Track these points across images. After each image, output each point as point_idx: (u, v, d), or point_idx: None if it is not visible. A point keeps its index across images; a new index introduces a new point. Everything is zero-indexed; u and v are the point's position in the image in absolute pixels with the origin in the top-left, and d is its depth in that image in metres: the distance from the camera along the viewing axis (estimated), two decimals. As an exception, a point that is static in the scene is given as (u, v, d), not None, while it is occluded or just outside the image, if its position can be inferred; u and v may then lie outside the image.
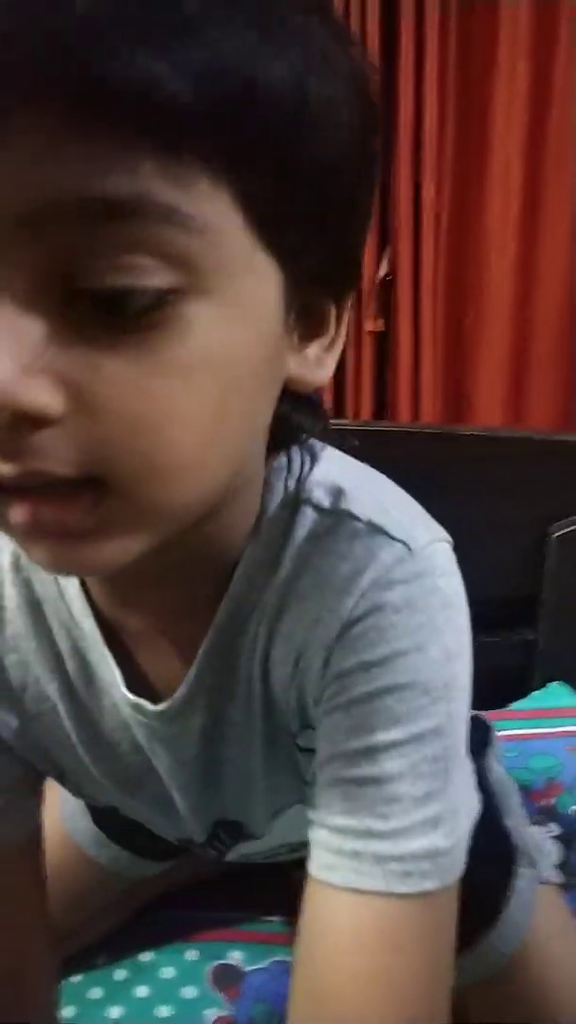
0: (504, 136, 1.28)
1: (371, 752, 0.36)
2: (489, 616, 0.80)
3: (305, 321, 0.34)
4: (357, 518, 0.39)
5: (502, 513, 0.81)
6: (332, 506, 0.40)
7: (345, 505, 0.40)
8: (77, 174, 0.24)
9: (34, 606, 0.43)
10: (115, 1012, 0.69)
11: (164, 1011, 0.69)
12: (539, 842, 0.77)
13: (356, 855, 0.36)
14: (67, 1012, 0.68)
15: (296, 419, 0.39)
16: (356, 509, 0.39)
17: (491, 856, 0.61)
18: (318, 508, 0.40)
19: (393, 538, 0.39)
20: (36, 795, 0.49)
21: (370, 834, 0.36)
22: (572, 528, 1.03)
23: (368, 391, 1.40)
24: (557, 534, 1.03)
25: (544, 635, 1.05)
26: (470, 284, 1.36)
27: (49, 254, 0.25)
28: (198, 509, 0.32)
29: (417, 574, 0.38)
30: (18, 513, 0.28)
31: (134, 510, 0.29)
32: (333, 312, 0.35)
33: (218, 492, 0.33)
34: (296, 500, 0.40)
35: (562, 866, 0.78)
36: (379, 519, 0.39)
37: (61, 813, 0.71)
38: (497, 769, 0.72)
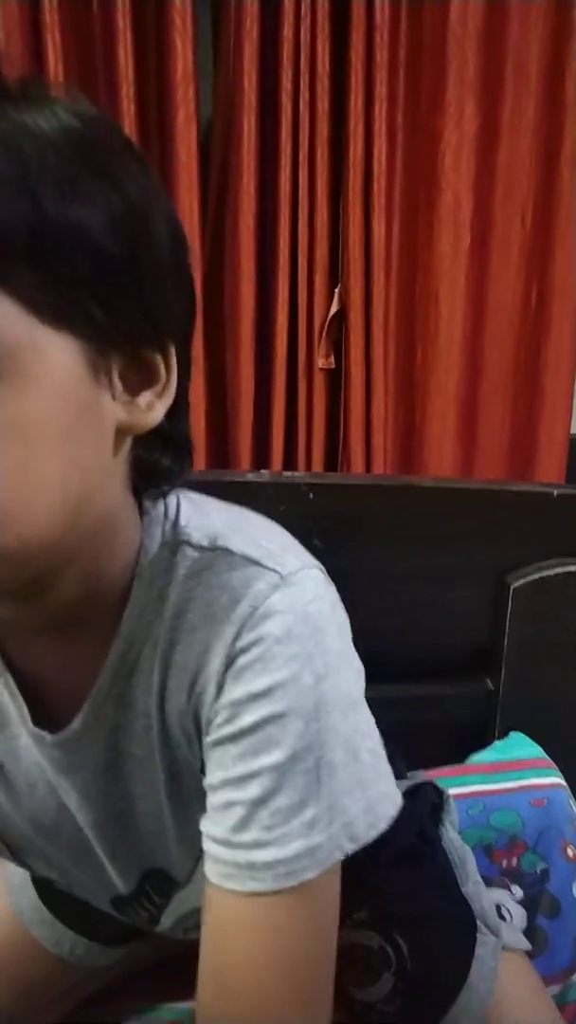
0: (453, 174, 1.31)
1: (256, 775, 0.42)
2: (449, 666, 0.82)
3: (135, 373, 0.40)
4: (232, 552, 0.44)
5: (460, 563, 0.83)
6: (210, 544, 0.45)
7: (221, 543, 0.45)
8: None
9: None
10: None
11: None
12: (502, 907, 0.79)
13: (250, 865, 0.42)
14: None
15: (153, 460, 0.44)
16: (231, 545, 0.44)
17: (451, 925, 0.64)
18: (197, 547, 0.45)
19: (266, 567, 0.43)
20: None
21: (258, 845, 0.42)
22: (530, 578, 1.06)
23: (320, 427, 1.41)
24: (515, 584, 1.06)
25: (505, 685, 1.07)
26: (421, 320, 1.38)
27: None
28: (38, 552, 0.37)
29: (291, 602, 0.43)
30: None
31: None
32: (161, 363, 0.40)
33: (59, 536, 0.38)
34: (175, 542, 0.45)
35: (528, 931, 0.80)
36: (252, 552, 0.44)
37: (9, 893, 0.71)
38: (452, 836, 0.73)
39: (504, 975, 0.63)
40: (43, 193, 0.34)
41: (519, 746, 1.05)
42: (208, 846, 0.44)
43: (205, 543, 0.45)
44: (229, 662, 0.43)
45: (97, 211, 0.36)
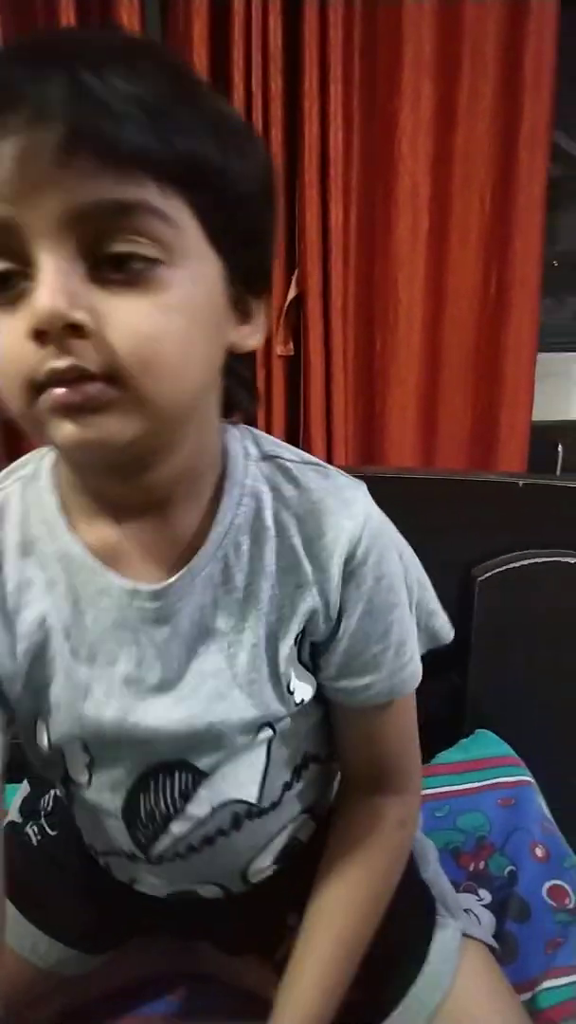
0: (410, 158, 1.28)
1: (387, 632, 0.60)
2: (421, 657, 0.81)
3: (240, 311, 0.51)
4: (320, 464, 0.60)
5: (425, 556, 0.81)
6: (298, 458, 0.59)
7: (306, 457, 0.60)
8: (103, 189, 0.41)
9: (28, 544, 0.56)
10: None
11: None
12: (471, 912, 0.78)
13: (402, 682, 0.62)
14: None
15: (234, 389, 0.56)
16: (310, 459, 0.60)
17: (411, 909, 0.67)
18: (275, 455, 0.59)
19: (351, 479, 0.60)
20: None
21: (400, 671, 0.61)
22: (496, 570, 1.05)
23: (280, 415, 1.38)
24: (481, 577, 1.05)
25: (472, 680, 1.06)
26: (380, 308, 1.36)
27: (86, 237, 0.42)
28: (177, 411, 0.48)
29: (374, 508, 0.59)
30: (57, 395, 0.43)
31: (132, 396, 0.44)
32: (254, 307, 0.52)
33: (191, 401, 0.49)
34: (261, 453, 0.58)
35: (497, 937, 0.79)
36: (323, 465, 0.60)
37: None
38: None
39: (466, 963, 0.66)
40: (228, 144, 0.45)
41: (486, 744, 1.05)
42: (362, 692, 0.61)
43: (288, 455, 0.59)
44: (350, 555, 0.57)
45: (256, 168, 0.48)
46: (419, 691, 0.85)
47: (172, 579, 0.55)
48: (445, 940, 0.66)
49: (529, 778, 0.98)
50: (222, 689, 0.57)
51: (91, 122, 0.40)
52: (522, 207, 1.33)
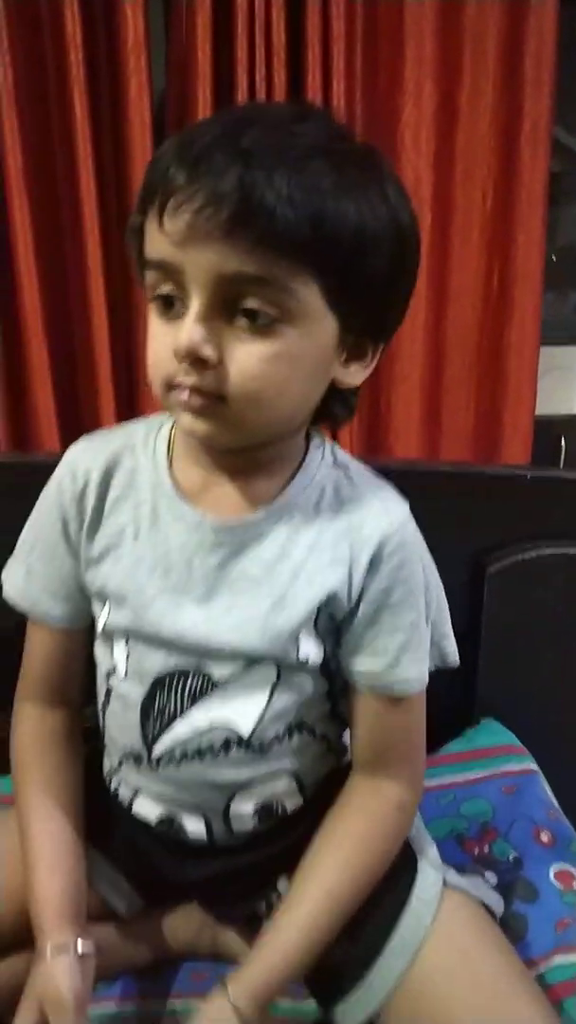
0: (413, 152, 1.30)
1: (401, 628, 0.71)
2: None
3: (354, 352, 0.65)
4: (379, 480, 0.75)
5: (437, 548, 0.82)
6: (363, 471, 0.75)
7: (366, 468, 0.76)
8: (245, 264, 0.55)
9: (134, 471, 0.74)
10: None
11: None
12: (483, 887, 0.79)
13: (405, 679, 0.72)
14: None
15: (335, 407, 0.70)
16: (369, 472, 0.76)
17: (396, 867, 0.74)
18: (345, 465, 0.75)
19: (392, 491, 0.74)
20: (88, 611, 0.78)
21: (407, 667, 0.71)
22: (506, 561, 1.05)
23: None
24: (492, 568, 1.05)
25: (481, 671, 1.06)
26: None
27: (228, 292, 0.57)
28: (267, 430, 0.65)
29: (411, 522, 0.73)
30: (182, 398, 0.61)
31: (233, 415, 0.60)
32: (371, 349, 0.67)
33: (282, 425, 0.66)
34: (331, 456, 0.74)
35: (505, 918, 0.79)
36: (382, 481, 0.76)
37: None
38: None
39: (448, 907, 0.72)
40: (367, 228, 0.58)
41: (490, 733, 1.05)
42: (368, 677, 0.72)
43: (356, 466, 0.75)
44: (379, 549, 0.69)
45: (390, 244, 0.60)
46: (430, 687, 0.86)
47: (233, 523, 0.70)
48: (425, 886, 0.73)
49: (534, 767, 0.99)
50: (243, 619, 0.70)
51: (250, 214, 0.54)
52: (524, 203, 1.34)
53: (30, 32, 1.15)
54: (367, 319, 0.63)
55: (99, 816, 0.81)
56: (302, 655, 0.70)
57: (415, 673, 0.72)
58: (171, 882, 0.81)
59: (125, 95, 1.19)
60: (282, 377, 0.60)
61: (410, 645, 0.71)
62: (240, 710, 0.72)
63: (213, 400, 0.60)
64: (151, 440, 0.75)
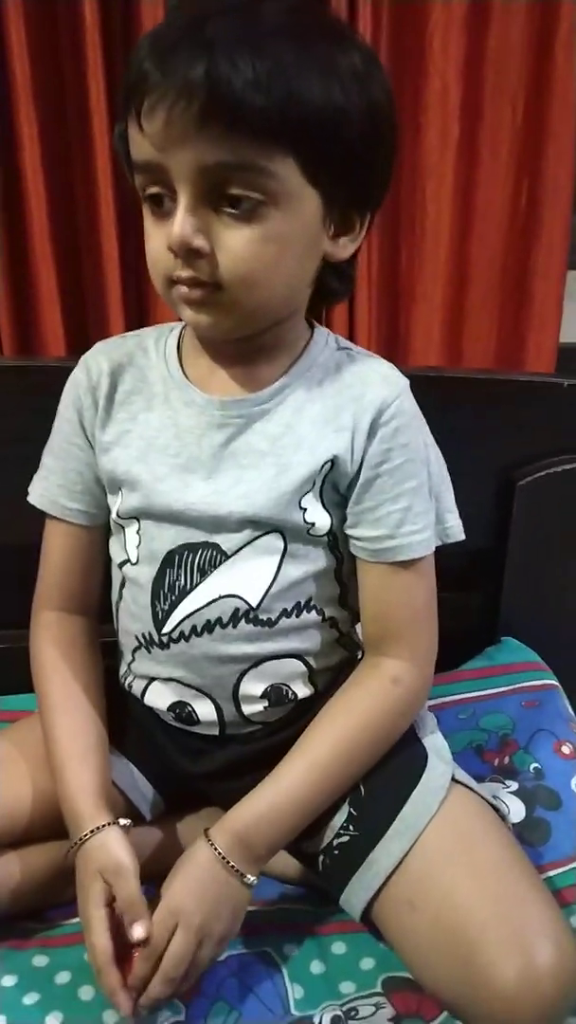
0: (441, 58, 1.25)
1: (403, 494, 0.75)
2: (448, 570, 0.81)
3: (341, 225, 0.69)
4: (381, 359, 0.79)
5: (461, 459, 0.81)
6: (366, 352, 0.80)
7: (362, 349, 0.81)
8: (222, 153, 0.59)
9: (146, 367, 0.80)
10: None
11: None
12: (498, 799, 0.80)
13: (409, 545, 0.75)
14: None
15: (331, 282, 0.74)
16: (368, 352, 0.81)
17: (404, 759, 0.77)
18: (347, 347, 0.80)
19: (393, 368, 0.78)
20: (105, 516, 0.83)
21: (411, 533, 0.75)
22: (538, 475, 1.02)
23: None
24: (521, 481, 1.02)
25: (508, 590, 1.05)
26: (406, 220, 1.34)
27: (211, 182, 0.61)
28: (265, 312, 0.69)
29: (409, 395, 0.77)
30: (182, 292, 0.66)
31: (229, 300, 0.65)
32: (358, 221, 0.70)
33: (278, 305, 0.70)
34: (333, 341, 0.79)
35: (528, 822, 0.80)
36: (383, 360, 0.80)
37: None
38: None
39: (455, 797, 0.74)
40: (337, 100, 0.60)
41: (511, 651, 1.06)
42: (371, 544, 0.76)
43: (358, 349, 0.80)
44: (378, 415, 0.74)
45: (364, 112, 0.63)
46: (452, 601, 0.86)
47: (238, 398, 0.75)
48: (434, 777, 0.75)
49: (554, 681, 0.99)
50: (250, 488, 0.74)
51: (219, 101, 0.56)
52: (556, 114, 1.29)
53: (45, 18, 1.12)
54: (349, 192, 0.66)
55: (117, 722, 0.84)
56: (308, 519, 0.75)
57: (418, 539, 0.75)
58: (187, 776, 0.84)
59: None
60: (272, 258, 0.64)
61: (411, 511, 0.75)
62: (248, 580, 0.75)
63: (210, 289, 0.64)
64: (162, 340, 0.81)
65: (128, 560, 0.79)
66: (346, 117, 0.61)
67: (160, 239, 0.65)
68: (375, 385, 0.75)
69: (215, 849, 0.70)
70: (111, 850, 0.70)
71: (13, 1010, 0.72)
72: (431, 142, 1.29)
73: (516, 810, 0.83)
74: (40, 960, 0.77)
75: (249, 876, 0.70)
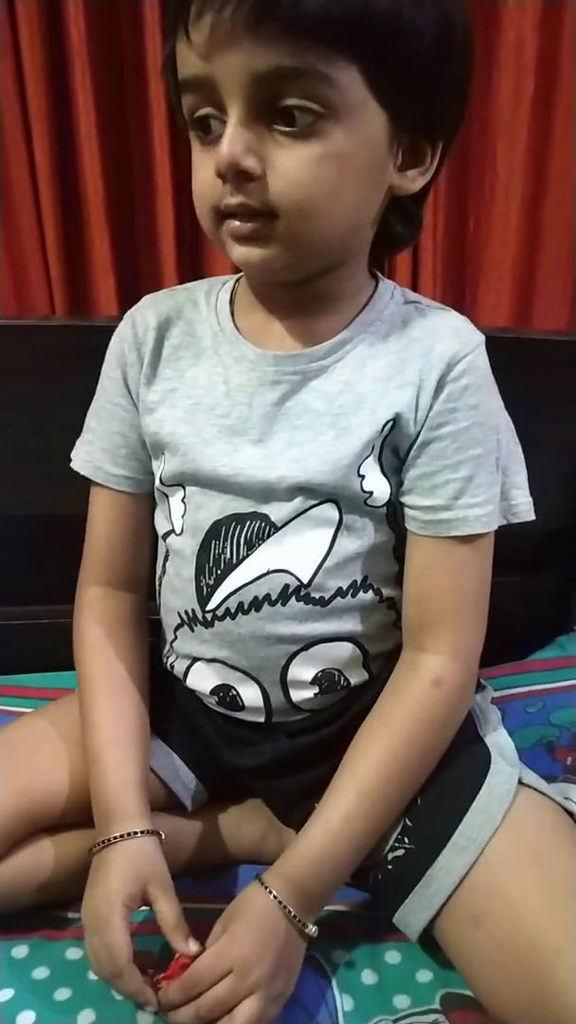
0: (516, 9, 1.17)
1: (465, 462, 0.67)
2: (519, 554, 0.74)
3: (410, 153, 0.63)
4: (452, 311, 0.72)
5: (533, 432, 0.74)
6: (436, 305, 0.73)
7: (433, 302, 0.73)
8: (277, 56, 0.53)
9: (196, 321, 0.74)
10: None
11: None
12: (570, 800, 0.73)
13: (466, 519, 0.68)
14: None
15: (395, 224, 0.68)
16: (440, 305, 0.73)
17: (467, 762, 0.71)
18: (416, 300, 0.73)
19: (468, 323, 0.71)
20: (151, 483, 0.77)
21: (470, 506, 0.68)
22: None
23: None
24: None
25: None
26: (475, 182, 1.27)
27: (264, 93, 0.55)
28: (324, 248, 0.62)
29: (483, 352, 0.69)
30: (232, 226, 0.60)
31: (285, 231, 0.59)
32: (429, 152, 0.63)
33: (339, 240, 0.63)
34: (400, 295, 0.72)
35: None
36: (456, 313, 0.72)
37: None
38: (478, 699, 0.79)
39: (521, 804, 0.68)
40: (403, 5, 0.54)
41: (586, 641, 0.99)
42: (424, 514, 0.68)
43: (428, 301, 0.73)
44: (447, 369, 0.66)
45: (434, 24, 0.56)
46: (521, 586, 0.79)
47: (294, 352, 0.69)
48: (499, 782, 0.69)
49: (633, 676, 0.92)
50: (304, 452, 0.68)
51: (272, 2, 0.51)
52: None
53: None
54: (419, 112, 0.60)
55: (160, 705, 0.79)
56: (367, 487, 0.68)
57: (477, 512, 0.68)
58: (231, 768, 0.79)
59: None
60: (332, 181, 0.57)
61: (473, 482, 0.67)
62: (299, 554, 0.70)
63: (263, 221, 0.58)
64: (214, 293, 0.75)
65: (172, 531, 0.75)
66: (417, 23, 0.55)
67: (208, 167, 0.58)
68: (446, 338, 0.68)
69: (273, 896, 0.64)
70: (156, 861, 0.67)
71: (44, 1005, 0.68)
72: (504, 98, 1.21)
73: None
74: (74, 953, 0.73)
75: (310, 927, 0.65)
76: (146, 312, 0.75)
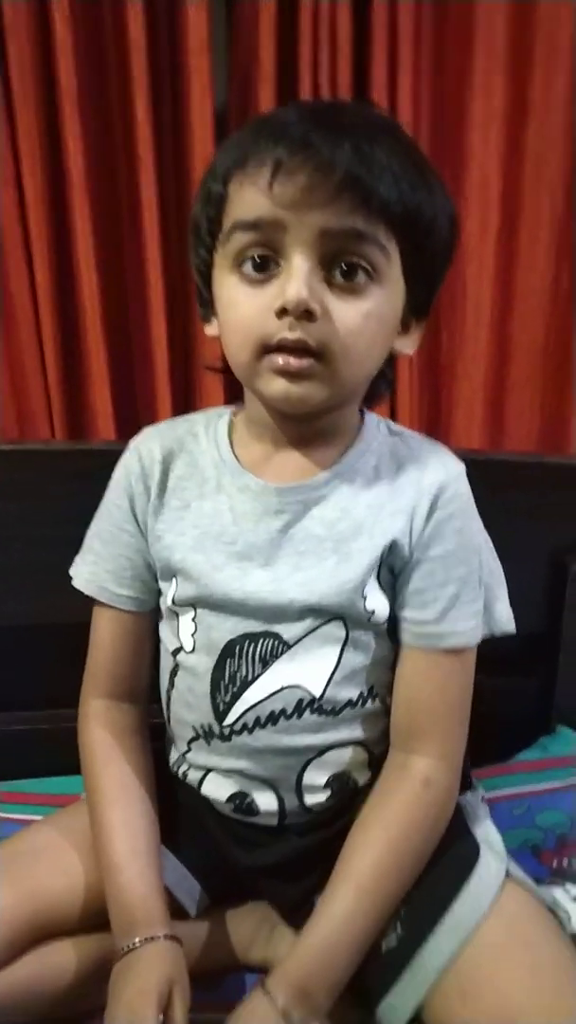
0: (481, 150, 1.30)
1: (452, 580, 0.75)
2: (500, 656, 0.80)
3: (405, 324, 0.74)
4: (436, 442, 0.81)
5: (512, 544, 0.81)
6: (419, 437, 0.82)
7: (425, 437, 0.82)
8: (355, 221, 0.64)
9: (197, 453, 0.81)
10: None
11: None
12: (558, 905, 0.76)
13: (452, 632, 0.75)
14: None
15: (379, 384, 0.80)
16: (421, 436, 0.82)
17: (456, 852, 0.75)
18: (407, 434, 0.82)
19: (449, 452, 0.80)
20: (154, 601, 0.84)
21: (456, 620, 0.75)
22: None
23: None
24: (574, 566, 1.02)
25: (562, 677, 1.04)
26: (447, 302, 1.37)
27: (330, 248, 0.65)
28: (350, 389, 0.72)
29: (466, 481, 0.77)
30: (281, 359, 0.66)
31: (330, 371, 0.67)
32: (413, 325, 0.76)
33: (361, 384, 0.75)
34: (387, 427, 0.81)
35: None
36: (439, 444, 0.81)
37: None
38: (468, 797, 0.84)
39: (508, 895, 0.71)
40: (436, 204, 0.68)
41: (567, 742, 1.03)
42: (415, 627, 0.76)
43: (411, 433, 0.82)
44: (437, 496, 0.75)
45: (447, 221, 0.71)
46: (504, 688, 0.84)
47: (294, 484, 0.76)
48: (487, 873, 0.73)
49: (614, 776, 0.96)
50: (311, 575, 0.74)
51: (358, 178, 0.62)
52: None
53: (93, 36, 1.19)
54: (421, 293, 0.72)
55: (165, 811, 0.83)
56: (369, 607, 0.75)
57: (463, 627, 0.76)
58: (238, 869, 0.82)
59: (187, 96, 1.22)
60: (372, 335, 0.68)
61: (460, 599, 0.75)
62: (310, 670, 0.75)
63: (313, 359, 0.66)
64: (212, 426, 0.82)
65: (182, 648, 0.79)
66: (441, 221, 0.69)
67: (255, 302, 0.67)
68: (434, 469, 0.77)
69: (276, 1003, 0.66)
70: (179, 963, 0.70)
71: None
72: (471, 229, 1.33)
73: (577, 915, 0.79)
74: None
75: None
76: (151, 445, 0.82)
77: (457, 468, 0.78)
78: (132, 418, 1.32)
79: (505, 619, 0.80)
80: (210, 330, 0.78)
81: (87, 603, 0.86)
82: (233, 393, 1.34)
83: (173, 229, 1.27)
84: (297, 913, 0.80)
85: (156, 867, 0.76)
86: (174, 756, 0.85)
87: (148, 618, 0.85)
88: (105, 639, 0.84)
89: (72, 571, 0.85)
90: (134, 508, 0.81)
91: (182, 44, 1.20)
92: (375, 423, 0.81)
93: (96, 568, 0.83)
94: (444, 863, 0.74)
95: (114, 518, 0.83)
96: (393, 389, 1.34)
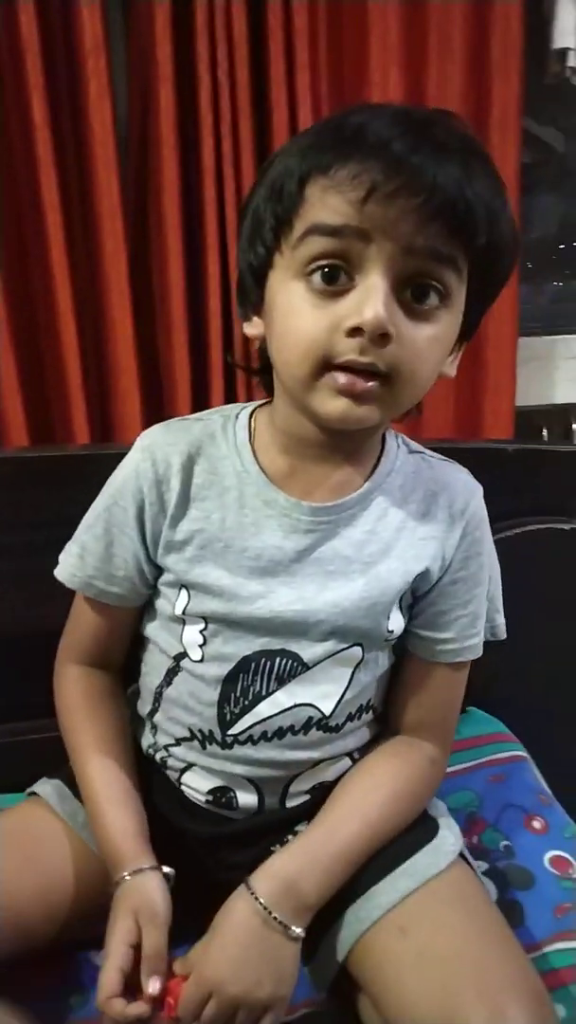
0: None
1: (474, 599, 0.79)
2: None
3: (454, 347, 0.71)
4: (447, 460, 0.82)
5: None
6: (437, 456, 0.82)
7: (430, 451, 0.82)
8: (441, 243, 0.61)
9: (218, 459, 0.76)
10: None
11: None
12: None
13: (468, 648, 0.80)
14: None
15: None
16: (435, 454, 0.82)
17: (420, 823, 0.79)
18: (428, 454, 0.81)
19: (469, 478, 0.81)
20: (142, 599, 0.82)
21: (472, 636, 0.80)
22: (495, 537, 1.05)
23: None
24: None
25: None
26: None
27: (409, 267, 0.62)
28: (404, 411, 0.70)
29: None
30: (346, 381, 0.63)
31: (392, 394, 0.64)
32: (457, 347, 0.72)
33: (411, 406, 0.70)
34: (407, 446, 0.80)
35: (500, 904, 0.80)
36: (456, 463, 0.82)
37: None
38: None
39: (456, 870, 0.75)
40: (509, 235, 0.66)
41: (476, 722, 1.06)
42: (434, 644, 0.79)
43: (429, 452, 0.81)
44: (469, 521, 0.77)
45: (512, 251, 0.68)
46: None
47: (328, 504, 0.74)
48: (445, 844, 0.77)
49: (522, 752, 1.00)
50: (339, 596, 0.74)
51: (456, 203, 0.60)
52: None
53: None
54: (474, 315, 0.70)
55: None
56: (390, 627, 0.77)
57: (476, 642, 0.80)
58: (187, 840, 0.82)
59: (85, 98, 1.20)
60: (437, 360, 0.67)
61: (477, 616, 0.79)
62: (324, 690, 0.76)
63: (377, 383, 0.63)
64: (229, 428, 0.77)
65: (186, 655, 0.78)
66: (509, 251, 0.66)
67: (323, 318, 0.62)
68: (462, 491, 0.78)
69: (257, 901, 0.68)
70: (149, 893, 0.71)
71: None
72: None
73: (488, 889, 0.82)
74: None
75: (295, 928, 0.68)
76: (167, 450, 0.76)
77: (478, 490, 0.80)
78: (46, 425, 1.31)
79: (502, 627, 0.84)
80: (249, 329, 0.73)
81: (61, 609, 0.85)
82: (151, 397, 1.34)
83: (78, 230, 1.26)
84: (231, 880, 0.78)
85: (138, 811, 0.78)
86: (155, 742, 0.84)
87: (132, 611, 0.83)
88: (87, 623, 0.83)
89: (58, 570, 0.82)
90: (143, 514, 0.77)
91: (78, 45, 1.19)
92: (394, 439, 0.80)
93: (83, 563, 0.80)
94: (408, 831, 0.78)
95: (115, 518, 0.78)
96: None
